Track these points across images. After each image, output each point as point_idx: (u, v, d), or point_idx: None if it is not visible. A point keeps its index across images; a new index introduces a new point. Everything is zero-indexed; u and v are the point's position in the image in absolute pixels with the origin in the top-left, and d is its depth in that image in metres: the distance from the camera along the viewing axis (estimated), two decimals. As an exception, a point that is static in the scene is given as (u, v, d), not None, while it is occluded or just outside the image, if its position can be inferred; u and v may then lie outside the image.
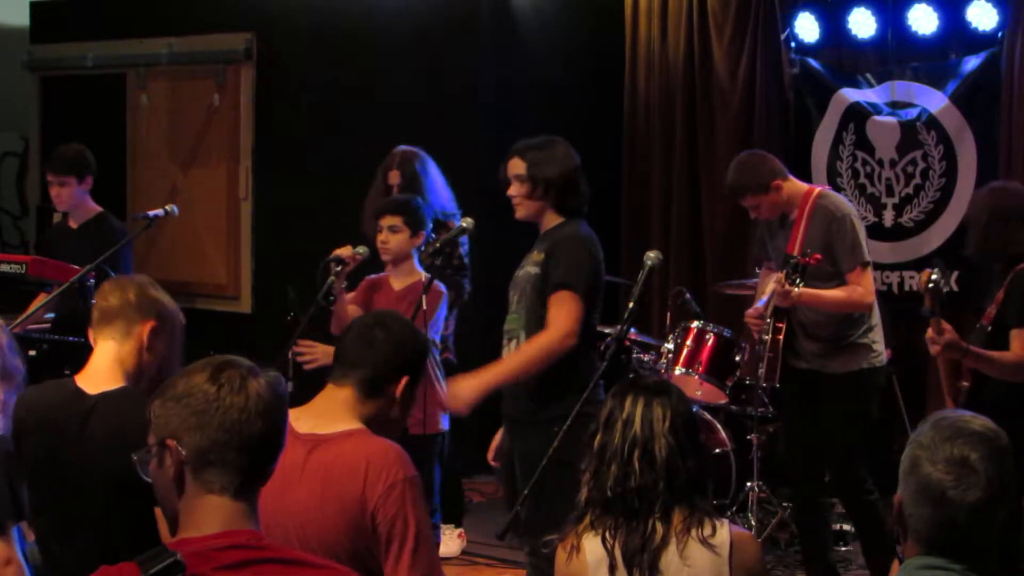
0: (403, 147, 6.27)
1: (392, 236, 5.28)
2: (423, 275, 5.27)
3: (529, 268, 4.56)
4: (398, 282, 5.33)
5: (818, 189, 5.42)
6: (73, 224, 6.49)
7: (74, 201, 6.42)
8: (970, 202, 4.72)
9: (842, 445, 5.31)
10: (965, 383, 4.44)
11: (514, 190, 4.59)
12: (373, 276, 5.45)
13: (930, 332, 4.26)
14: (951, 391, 4.41)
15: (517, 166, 4.58)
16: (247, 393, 2.11)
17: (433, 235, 5.58)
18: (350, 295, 5.29)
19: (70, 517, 3.27)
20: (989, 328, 4.53)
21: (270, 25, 8.49)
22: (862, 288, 5.22)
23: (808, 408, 5.37)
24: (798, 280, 5.03)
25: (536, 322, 4.45)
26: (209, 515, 2.10)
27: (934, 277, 4.16)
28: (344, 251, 5.12)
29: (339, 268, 5.06)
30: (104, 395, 3.26)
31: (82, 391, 3.28)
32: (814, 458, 5.41)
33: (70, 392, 3.29)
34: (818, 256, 5.07)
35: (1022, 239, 4.60)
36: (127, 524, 3.19)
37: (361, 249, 5.17)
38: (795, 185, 5.38)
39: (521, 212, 4.61)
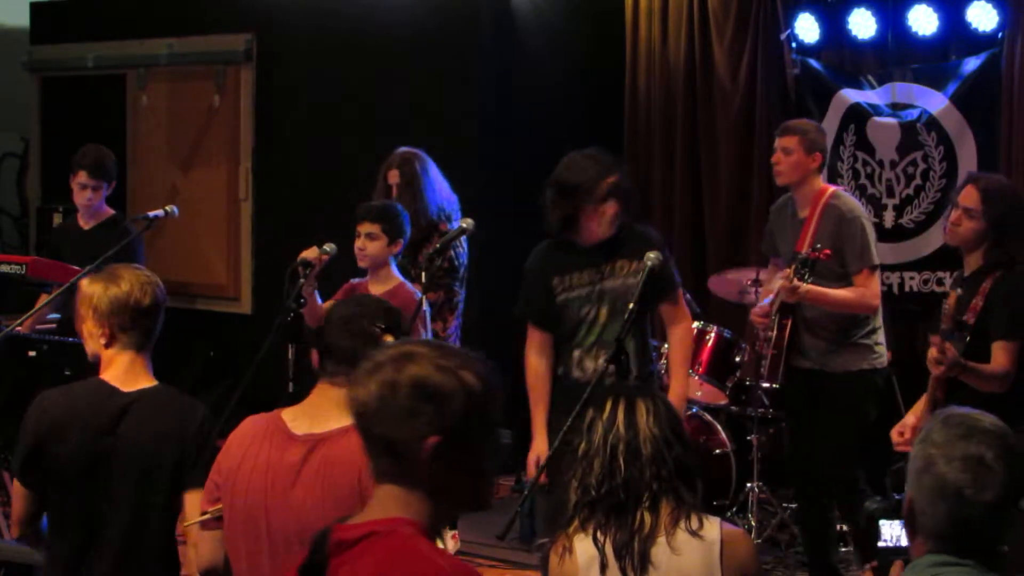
0: (404, 148, 6.29)
1: (369, 243, 5.28)
2: (400, 280, 5.31)
3: (629, 280, 4.61)
4: (376, 288, 5.29)
5: (832, 189, 5.44)
6: (84, 225, 6.48)
7: (97, 205, 6.44)
8: (961, 189, 4.60)
9: (837, 444, 5.31)
10: (939, 394, 4.39)
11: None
12: (355, 280, 5.45)
13: (935, 352, 4.18)
14: (932, 402, 4.36)
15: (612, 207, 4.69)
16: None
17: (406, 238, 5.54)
18: (330, 300, 5.28)
19: (103, 512, 3.33)
20: (967, 338, 4.43)
21: (270, 25, 8.49)
22: (869, 291, 5.22)
23: (811, 407, 5.38)
24: (807, 275, 5.03)
25: (638, 331, 4.61)
26: None
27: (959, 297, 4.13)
28: (310, 253, 5.08)
29: (307, 271, 5.04)
30: (143, 391, 3.38)
31: (116, 389, 3.38)
32: (817, 457, 5.40)
33: (103, 390, 3.37)
34: (828, 252, 5.07)
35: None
36: (155, 519, 3.34)
37: (328, 247, 5.12)
38: (816, 181, 5.40)
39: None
